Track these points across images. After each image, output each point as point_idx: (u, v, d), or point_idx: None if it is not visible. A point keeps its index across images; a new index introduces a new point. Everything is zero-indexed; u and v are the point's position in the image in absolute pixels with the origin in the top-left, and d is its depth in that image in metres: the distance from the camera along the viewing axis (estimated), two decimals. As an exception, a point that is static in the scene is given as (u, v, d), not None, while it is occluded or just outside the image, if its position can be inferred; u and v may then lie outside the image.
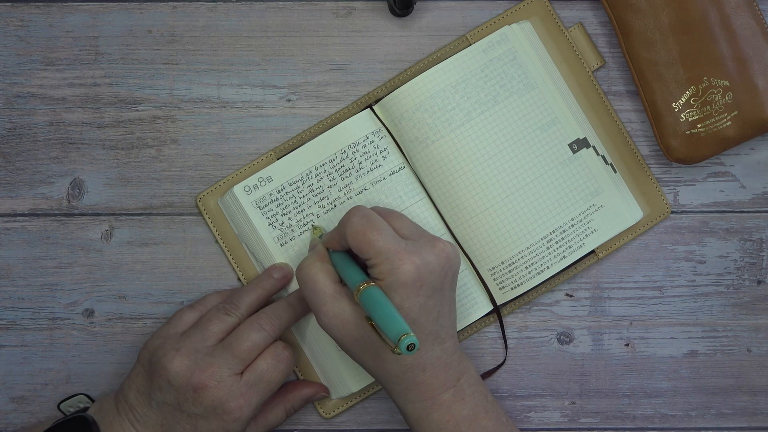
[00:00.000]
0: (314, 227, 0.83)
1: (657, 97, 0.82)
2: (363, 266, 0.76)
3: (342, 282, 0.76)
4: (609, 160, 0.84)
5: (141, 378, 0.78)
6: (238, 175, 0.84)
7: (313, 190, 0.83)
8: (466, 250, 0.84)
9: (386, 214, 0.78)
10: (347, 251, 0.78)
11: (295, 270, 0.80)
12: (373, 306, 0.71)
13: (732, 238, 0.85)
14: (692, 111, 0.81)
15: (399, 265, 0.73)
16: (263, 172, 0.83)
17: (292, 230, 0.83)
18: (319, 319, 0.75)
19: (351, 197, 0.83)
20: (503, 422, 0.78)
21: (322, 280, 0.75)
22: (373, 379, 0.83)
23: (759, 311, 0.85)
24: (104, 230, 0.85)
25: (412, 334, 0.68)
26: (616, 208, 0.84)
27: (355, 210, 0.76)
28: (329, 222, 0.83)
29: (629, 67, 0.83)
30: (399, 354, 0.68)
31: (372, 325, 0.72)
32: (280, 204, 0.83)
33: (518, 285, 0.83)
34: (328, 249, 0.78)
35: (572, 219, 0.83)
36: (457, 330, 0.81)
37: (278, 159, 0.84)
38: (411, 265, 0.73)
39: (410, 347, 0.68)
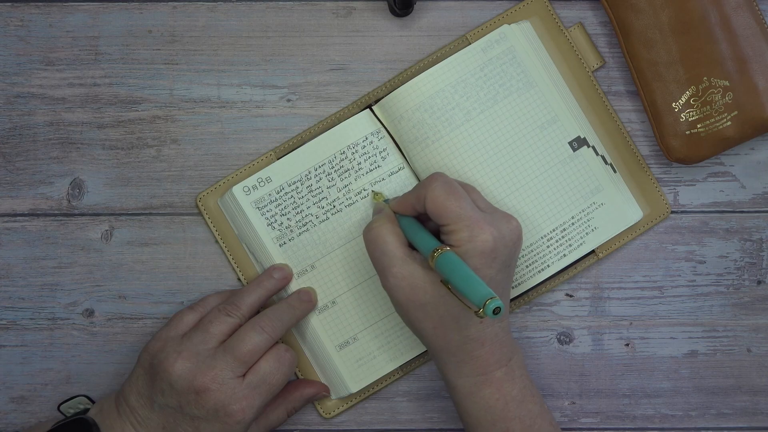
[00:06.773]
0: (375, 193, 0.82)
1: (657, 97, 0.82)
2: (433, 232, 0.76)
3: (410, 246, 0.76)
4: (609, 161, 0.84)
5: (142, 380, 0.78)
6: (238, 176, 0.84)
7: (312, 191, 0.83)
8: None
9: (463, 185, 0.78)
10: (415, 218, 0.77)
11: (363, 232, 0.78)
12: (452, 270, 0.70)
13: (732, 238, 0.85)
14: (692, 111, 0.81)
15: (478, 233, 0.73)
16: (262, 173, 0.83)
17: (291, 231, 0.83)
18: (385, 280, 0.75)
19: (350, 198, 0.83)
20: (545, 410, 0.79)
21: (392, 241, 0.75)
22: (374, 379, 0.83)
23: (759, 311, 0.85)
24: (104, 230, 0.85)
25: (497, 297, 0.67)
26: (617, 208, 0.84)
27: (437, 175, 0.76)
28: (327, 229, 0.83)
29: (629, 67, 0.83)
30: (483, 317, 0.67)
31: (449, 289, 0.72)
32: (279, 204, 0.83)
33: (518, 284, 0.83)
34: (395, 213, 0.78)
35: (573, 217, 0.83)
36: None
37: (278, 159, 0.84)
38: (489, 235, 0.73)
39: (496, 311, 0.67)
